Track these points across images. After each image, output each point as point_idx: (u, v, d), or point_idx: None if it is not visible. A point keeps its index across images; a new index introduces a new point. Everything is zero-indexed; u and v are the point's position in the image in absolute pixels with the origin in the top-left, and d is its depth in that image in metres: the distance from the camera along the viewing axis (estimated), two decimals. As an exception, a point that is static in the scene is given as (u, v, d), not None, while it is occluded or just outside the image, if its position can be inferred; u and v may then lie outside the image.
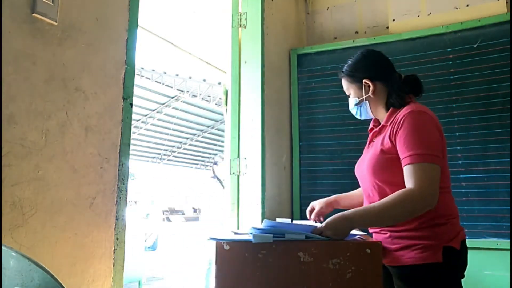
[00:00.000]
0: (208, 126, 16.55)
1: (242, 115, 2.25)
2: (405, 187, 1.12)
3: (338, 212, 1.15)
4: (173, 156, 19.11)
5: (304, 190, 2.53)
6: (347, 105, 1.44)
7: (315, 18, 3.00)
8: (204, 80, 11.64)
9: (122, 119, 1.35)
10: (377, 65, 1.35)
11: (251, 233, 1.08)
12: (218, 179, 1.69)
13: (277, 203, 2.34)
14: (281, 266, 1.04)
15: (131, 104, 1.40)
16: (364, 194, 1.34)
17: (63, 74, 1.18)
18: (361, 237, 1.17)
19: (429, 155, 1.12)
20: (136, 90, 3.93)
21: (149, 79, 10.97)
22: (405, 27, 2.55)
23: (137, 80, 6.51)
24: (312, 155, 2.56)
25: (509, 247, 2.00)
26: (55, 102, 1.15)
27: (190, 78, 11.54)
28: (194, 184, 21.89)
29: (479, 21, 2.28)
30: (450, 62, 2.31)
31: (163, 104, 13.57)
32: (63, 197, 1.15)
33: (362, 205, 1.40)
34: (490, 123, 2.17)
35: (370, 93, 1.32)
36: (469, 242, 2.09)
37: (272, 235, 1.06)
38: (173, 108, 13.74)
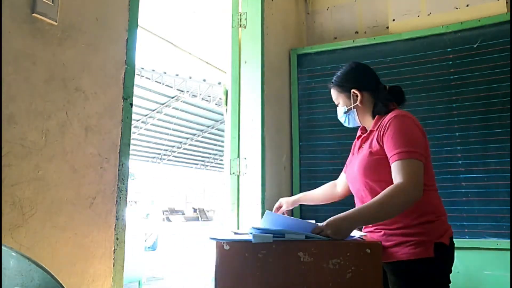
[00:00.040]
0: (208, 126, 16.54)
1: (242, 115, 2.25)
2: (393, 183, 1.19)
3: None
4: (173, 156, 19.10)
5: (304, 190, 2.49)
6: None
7: (315, 18, 3.00)
8: (204, 80, 11.63)
9: (122, 119, 1.35)
10: (365, 77, 1.45)
11: (251, 233, 1.08)
12: None
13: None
14: (281, 266, 1.04)
15: (131, 104, 1.40)
16: (357, 196, 1.40)
17: (63, 74, 1.18)
18: (361, 237, 1.17)
19: (414, 152, 1.20)
20: (136, 90, 3.93)
21: (149, 79, 10.97)
22: (405, 27, 2.55)
23: (137, 80, 6.51)
24: (312, 155, 2.56)
25: (509, 247, 2.00)
26: (55, 102, 1.15)
27: (190, 78, 11.53)
28: (206, 184, 21.94)
29: (479, 21, 2.28)
30: (450, 62, 2.31)
31: (163, 104, 13.56)
32: (63, 197, 1.15)
33: (325, 202, 1.69)
34: (490, 123, 2.17)
35: (358, 102, 1.42)
36: (469, 242, 2.12)
37: (272, 235, 1.06)
38: (173, 108, 13.73)
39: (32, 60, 1.10)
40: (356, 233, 1.21)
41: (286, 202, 1.68)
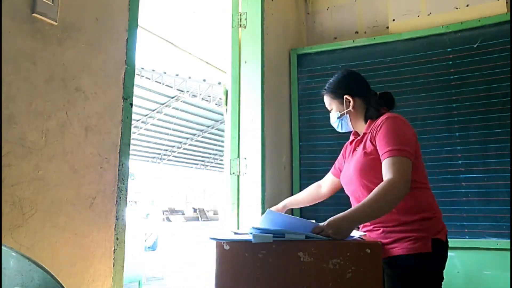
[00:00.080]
0: (208, 126, 16.54)
1: (242, 115, 2.25)
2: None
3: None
4: (173, 156, 19.09)
5: (304, 190, 2.53)
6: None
7: (315, 18, 3.00)
8: (204, 80, 11.62)
9: (122, 119, 1.35)
10: (356, 83, 1.51)
11: (251, 233, 1.08)
12: None
13: (277, 203, 2.33)
14: (281, 266, 1.04)
15: (131, 104, 1.40)
16: (353, 197, 1.44)
17: (63, 74, 1.18)
18: (361, 237, 1.17)
19: (404, 150, 1.26)
20: (136, 90, 3.93)
21: (149, 79, 10.96)
22: (405, 27, 2.55)
23: (137, 80, 6.50)
24: (312, 155, 2.56)
25: (509, 247, 2.00)
26: (55, 102, 1.15)
27: (190, 78, 11.52)
28: (206, 184, 21.92)
29: (479, 21, 2.28)
30: (450, 62, 2.31)
31: (163, 104, 13.55)
32: (63, 197, 1.15)
33: (312, 203, 1.77)
34: (490, 123, 2.17)
35: (350, 108, 1.48)
36: (469, 242, 2.12)
37: (272, 235, 1.06)
38: (173, 108, 13.72)
39: (32, 60, 1.10)
40: (356, 233, 1.21)
41: (276, 210, 1.71)
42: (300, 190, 2.54)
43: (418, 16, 2.56)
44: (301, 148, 2.59)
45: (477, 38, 2.26)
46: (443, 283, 1.31)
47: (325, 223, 1.11)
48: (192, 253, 8.44)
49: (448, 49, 2.33)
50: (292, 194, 2.54)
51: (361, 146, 1.41)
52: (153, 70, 10.68)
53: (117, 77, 1.36)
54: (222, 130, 13.14)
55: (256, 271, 1.05)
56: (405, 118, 2.34)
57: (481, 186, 2.14)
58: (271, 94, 2.35)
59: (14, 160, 1.03)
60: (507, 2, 2.31)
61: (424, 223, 1.28)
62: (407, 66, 2.41)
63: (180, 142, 17.80)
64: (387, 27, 2.67)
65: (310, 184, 2.36)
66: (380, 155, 1.29)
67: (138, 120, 14.27)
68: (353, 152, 1.49)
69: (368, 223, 1.37)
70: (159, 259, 7.67)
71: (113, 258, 1.29)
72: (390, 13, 2.65)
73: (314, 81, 2.60)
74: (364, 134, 1.43)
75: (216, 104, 12.94)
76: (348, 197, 1.51)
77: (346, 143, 1.62)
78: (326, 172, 1.81)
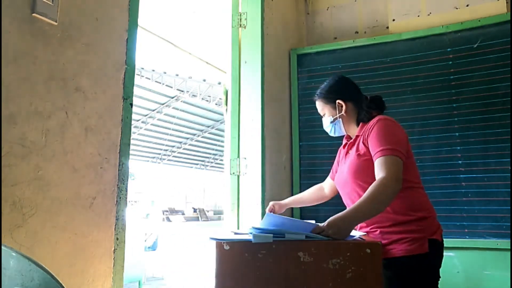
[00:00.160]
0: (208, 126, 16.54)
1: (242, 115, 2.25)
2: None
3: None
4: (173, 156, 19.10)
5: (304, 190, 2.52)
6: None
7: (315, 18, 3.00)
8: (204, 80, 11.63)
9: (122, 119, 1.35)
10: (348, 88, 1.55)
11: (251, 233, 1.08)
12: None
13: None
14: (281, 266, 1.04)
15: (131, 104, 1.40)
16: (349, 198, 1.45)
17: (63, 74, 1.18)
18: (361, 237, 1.17)
19: (395, 149, 1.28)
20: (136, 90, 3.93)
21: (149, 79, 10.97)
22: (405, 27, 2.55)
23: (137, 80, 6.50)
24: (312, 155, 2.56)
25: (509, 247, 2.00)
26: (55, 102, 1.15)
27: (190, 78, 11.53)
28: (206, 184, 21.92)
29: (479, 21, 2.28)
30: (450, 62, 2.31)
31: (163, 104, 13.56)
32: (63, 197, 1.15)
33: (314, 203, 1.80)
34: (490, 123, 2.17)
35: (343, 112, 1.51)
36: (469, 242, 2.12)
37: (272, 235, 1.06)
38: (173, 108, 13.73)
39: (32, 60, 1.10)
40: (356, 233, 1.21)
41: (278, 206, 1.74)
42: (300, 190, 2.54)
43: (418, 16, 2.56)
44: (301, 148, 2.59)
45: (477, 38, 2.26)
46: (442, 282, 1.31)
47: (325, 223, 1.12)
48: (192, 253, 8.44)
49: (448, 49, 2.33)
50: (292, 194, 2.54)
51: (354, 148, 1.44)
52: (153, 70, 10.68)
53: (117, 77, 1.36)
54: (222, 130, 13.14)
55: (256, 271, 1.05)
56: (405, 118, 2.35)
57: (481, 186, 2.14)
58: (271, 94, 2.35)
59: (14, 160, 1.03)
60: (507, 2, 2.31)
61: (421, 223, 1.30)
62: (407, 66, 2.41)
63: (180, 142, 17.80)
64: (387, 27, 2.67)
65: (310, 184, 2.36)
66: (372, 155, 1.32)
67: (138, 120, 14.27)
68: (346, 155, 1.52)
69: (364, 225, 1.38)
70: (159, 259, 7.67)
71: (113, 258, 1.29)
72: (390, 13, 2.65)
73: (314, 81, 2.60)
74: (357, 136, 1.45)
75: (216, 104, 12.95)
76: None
77: (339, 148, 1.64)
78: (326, 172, 1.82)
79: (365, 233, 1.32)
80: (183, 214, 17.84)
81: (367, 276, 1.02)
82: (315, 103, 1.60)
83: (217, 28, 2.84)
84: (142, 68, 10.22)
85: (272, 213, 1.72)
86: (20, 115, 1.06)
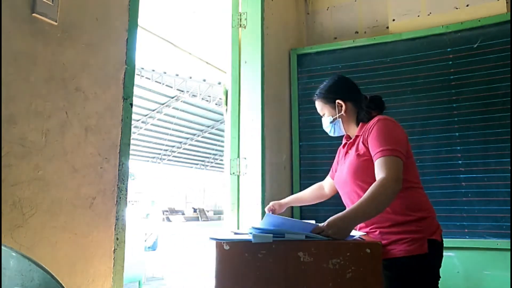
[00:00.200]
0: (208, 126, 16.54)
1: (242, 115, 2.25)
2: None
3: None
4: (173, 156, 19.10)
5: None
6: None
7: (315, 18, 3.00)
8: (204, 80, 11.63)
9: (122, 119, 1.35)
10: (347, 88, 1.54)
11: (251, 233, 1.08)
12: None
13: (277, 203, 2.34)
14: (281, 266, 1.04)
15: (131, 104, 1.40)
16: (349, 198, 1.45)
17: (63, 74, 1.18)
18: (361, 237, 1.17)
19: (395, 150, 1.28)
20: (136, 90, 3.93)
21: (149, 79, 10.96)
22: (405, 27, 2.55)
23: (137, 80, 6.50)
24: (312, 155, 2.56)
25: (509, 247, 2.00)
26: (55, 102, 1.15)
27: (190, 78, 11.53)
28: (206, 184, 21.91)
29: (479, 21, 2.28)
30: (450, 62, 2.31)
31: (163, 104, 13.56)
32: (63, 197, 1.15)
33: (314, 202, 1.81)
34: (490, 123, 2.17)
35: (342, 112, 1.50)
36: (469, 242, 2.12)
37: (272, 235, 1.06)
38: (173, 108, 13.72)
39: (32, 60, 1.10)
40: (355, 233, 1.21)
41: (278, 205, 1.74)
42: (300, 190, 2.54)
43: (418, 16, 2.56)
44: (301, 148, 2.59)
45: (477, 38, 2.26)
46: (442, 282, 1.31)
47: (325, 223, 1.12)
48: (192, 253, 8.45)
49: (448, 49, 2.33)
50: (292, 194, 2.54)
51: (354, 148, 1.43)
52: (153, 70, 10.68)
53: (117, 77, 1.36)
54: (222, 130, 13.14)
55: (256, 271, 1.05)
56: (405, 118, 2.35)
57: (481, 186, 2.14)
58: (271, 94, 2.35)
59: (14, 160, 1.03)
60: (507, 2, 2.31)
61: (420, 224, 1.30)
62: (407, 66, 2.41)
63: (180, 142, 17.80)
64: (387, 27, 2.66)
65: (310, 184, 2.35)
66: (372, 155, 1.32)
67: (138, 120, 14.27)
68: (345, 155, 1.52)
69: (364, 225, 1.38)
70: (159, 259, 7.68)
71: (113, 258, 1.29)
72: (390, 13, 2.65)
73: (314, 81, 2.60)
74: (356, 136, 1.45)
75: (216, 104, 12.94)
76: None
77: (339, 147, 1.64)
78: (326, 172, 1.82)
79: (365, 233, 1.32)
80: (183, 214, 17.84)
81: (367, 276, 1.02)
82: (314, 103, 1.60)
83: (217, 28, 2.84)
84: (142, 68, 10.22)
85: (272, 213, 1.72)
86: (20, 115, 1.06)
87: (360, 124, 1.47)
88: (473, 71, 2.25)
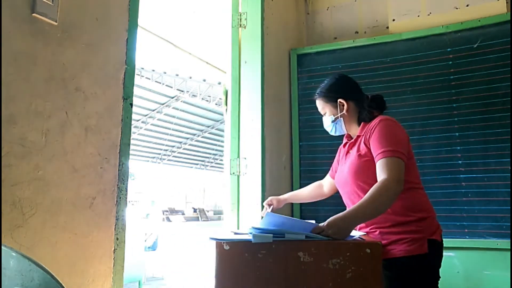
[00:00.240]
0: (208, 126, 16.54)
1: (242, 115, 2.25)
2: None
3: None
4: (173, 156, 19.10)
5: (304, 190, 2.53)
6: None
7: (315, 18, 3.00)
8: (204, 80, 11.63)
9: (122, 119, 1.35)
10: (349, 87, 1.53)
11: (251, 233, 1.08)
12: None
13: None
14: (281, 266, 1.04)
15: (131, 104, 1.40)
16: (349, 198, 1.45)
17: (63, 74, 1.18)
18: (361, 237, 1.17)
19: (397, 151, 1.28)
20: (136, 90, 3.93)
21: (149, 79, 10.96)
22: (405, 27, 2.55)
23: (137, 80, 6.50)
24: (312, 155, 2.56)
25: (509, 247, 2.00)
26: (55, 102, 1.15)
27: (190, 78, 11.53)
28: (206, 184, 21.91)
29: (479, 21, 2.28)
30: (450, 62, 2.31)
31: (163, 104, 13.56)
32: (63, 197, 1.15)
33: (312, 200, 1.81)
34: (490, 123, 2.17)
35: (344, 111, 1.49)
36: (469, 242, 2.12)
37: (272, 235, 1.06)
38: (173, 108, 13.73)
39: (32, 60, 1.10)
40: (355, 233, 1.21)
41: (276, 200, 1.75)
42: (300, 190, 2.54)
43: (418, 16, 2.56)
44: (301, 148, 2.59)
45: (477, 38, 2.26)
46: (442, 282, 1.31)
47: (325, 223, 1.12)
48: (192, 253, 8.45)
49: (448, 49, 2.33)
50: (292, 194, 2.55)
51: (355, 148, 1.43)
52: (153, 70, 10.68)
53: (117, 77, 1.36)
54: (222, 130, 13.13)
55: (256, 271, 1.05)
56: (405, 118, 2.35)
57: (481, 186, 2.14)
58: (271, 94, 2.35)
59: (14, 160, 1.03)
60: (507, 2, 2.31)
61: (420, 224, 1.30)
62: (407, 66, 2.41)
63: (180, 142, 17.80)
64: (387, 27, 2.66)
65: (310, 184, 2.35)
66: (374, 156, 1.32)
67: (138, 120, 14.27)
68: (346, 154, 1.51)
69: (364, 225, 1.38)
70: (159, 259, 7.68)
71: (113, 258, 1.29)
72: (390, 13, 2.65)
73: (314, 81, 2.60)
74: (358, 136, 1.44)
75: (216, 104, 12.94)
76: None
77: (339, 146, 1.64)
78: (326, 172, 1.82)
79: (365, 233, 1.32)
80: (183, 214, 17.85)
81: (367, 276, 1.02)
82: (315, 102, 1.59)
83: (217, 28, 2.84)
84: (142, 68, 10.22)
85: (270, 207, 1.73)
86: (20, 115, 1.06)
87: (362, 123, 1.46)
88: (473, 71, 2.25)
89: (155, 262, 7.37)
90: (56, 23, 1.16)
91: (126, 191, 1.35)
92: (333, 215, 1.14)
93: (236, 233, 1.28)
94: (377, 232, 1.34)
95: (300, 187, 2.52)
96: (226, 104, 2.31)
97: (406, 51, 2.43)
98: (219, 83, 10.92)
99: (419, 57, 2.39)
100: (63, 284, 0.75)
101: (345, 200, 1.49)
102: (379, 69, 2.48)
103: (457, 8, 2.45)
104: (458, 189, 2.18)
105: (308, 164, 2.56)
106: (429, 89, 2.33)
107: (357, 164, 1.38)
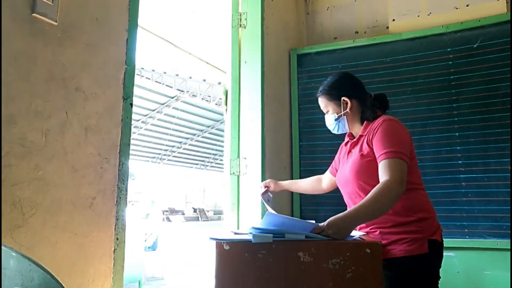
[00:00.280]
0: (208, 126, 16.54)
1: (242, 115, 2.25)
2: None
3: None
4: (173, 156, 19.09)
5: (304, 190, 2.53)
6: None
7: (315, 18, 3.00)
8: (204, 80, 11.63)
9: (122, 119, 1.35)
10: (353, 85, 1.52)
11: (251, 233, 1.08)
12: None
13: (277, 203, 2.34)
14: (281, 266, 1.04)
15: (131, 104, 1.40)
16: (349, 198, 1.45)
17: (63, 74, 1.18)
18: (361, 237, 1.17)
19: (399, 152, 1.27)
20: (136, 90, 3.93)
21: (149, 79, 10.96)
22: (405, 27, 2.55)
23: (137, 80, 6.50)
24: (312, 155, 2.56)
25: (509, 247, 2.00)
26: (55, 102, 1.15)
27: (190, 78, 11.53)
28: (206, 184, 21.90)
29: (479, 21, 2.28)
30: (450, 62, 2.31)
31: (163, 104, 13.56)
32: (63, 197, 1.15)
33: (309, 193, 1.86)
34: (490, 123, 2.17)
35: (347, 109, 1.48)
36: (469, 242, 2.12)
37: (272, 235, 1.06)
38: (173, 108, 13.73)
39: (32, 60, 1.10)
40: (355, 233, 1.21)
41: (274, 183, 1.77)
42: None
43: (418, 16, 2.56)
44: (301, 148, 2.59)
45: (477, 38, 2.26)
46: (442, 282, 1.31)
47: (325, 223, 1.12)
48: (192, 253, 8.45)
49: (448, 49, 2.33)
50: (292, 194, 2.55)
51: (357, 148, 1.42)
52: (153, 70, 10.68)
53: (117, 77, 1.36)
54: (222, 130, 13.12)
55: (256, 271, 1.05)
56: (405, 118, 2.35)
57: (481, 186, 2.14)
58: (271, 94, 2.35)
59: (14, 160, 1.03)
60: (507, 2, 2.31)
61: (420, 224, 1.30)
62: (407, 66, 2.41)
63: (180, 142, 17.80)
64: (387, 27, 2.66)
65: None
66: (377, 157, 1.31)
67: (138, 120, 14.27)
68: (348, 153, 1.50)
69: (364, 225, 1.38)
70: (159, 259, 7.68)
71: (113, 258, 1.29)
72: (390, 13, 2.65)
73: (314, 81, 2.60)
74: (360, 136, 1.44)
75: (216, 104, 12.94)
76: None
77: (341, 145, 1.63)
78: (326, 172, 1.82)
79: (365, 233, 1.32)
80: (183, 214, 17.85)
81: (367, 276, 1.02)
82: (317, 100, 1.58)
83: (217, 28, 2.84)
84: (142, 68, 10.22)
85: (267, 190, 1.77)
86: (20, 115, 1.06)
87: (365, 122, 1.45)
88: (473, 71, 2.25)
89: (155, 262, 7.37)
90: (56, 23, 1.16)
91: (126, 191, 1.35)
92: (333, 215, 1.14)
93: (236, 233, 1.28)
94: (377, 232, 1.34)
95: (300, 187, 2.53)
96: (226, 104, 2.31)
97: (406, 51, 2.43)
98: (219, 83, 10.93)
99: (419, 57, 2.39)
100: (63, 284, 0.75)
101: (346, 199, 1.49)
102: (379, 69, 2.48)
103: (457, 8, 2.45)
104: (458, 189, 2.18)
105: (308, 164, 2.56)
106: (429, 89, 2.33)
107: (359, 164, 1.37)
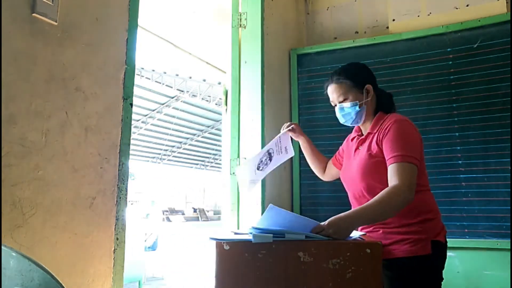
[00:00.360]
0: (208, 126, 16.53)
1: (242, 115, 2.25)
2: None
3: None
4: (173, 156, 19.09)
5: (304, 190, 2.53)
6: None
7: (315, 18, 3.00)
8: (204, 80, 11.62)
9: (122, 119, 1.35)
10: (372, 75, 1.49)
11: (251, 233, 1.08)
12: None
13: (277, 203, 2.34)
14: (281, 266, 1.04)
15: (131, 104, 1.40)
16: (354, 196, 1.43)
17: (63, 74, 1.18)
18: (361, 237, 1.17)
19: (410, 156, 1.25)
20: (136, 90, 3.93)
21: (149, 79, 10.96)
22: (405, 27, 2.55)
23: (137, 80, 6.50)
24: (312, 155, 2.55)
25: (509, 247, 2.00)
26: (55, 102, 1.15)
27: (190, 78, 11.53)
28: (206, 184, 21.90)
29: (479, 21, 2.28)
30: (450, 62, 2.31)
31: (163, 104, 13.55)
32: (63, 197, 1.15)
33: (312, 165, 1.81)
34: (490, 123, 2.17)
35: (369, 98, 1.43)
36: (469, 242, 2.12)
37: (272, 235, 1.06)
38: (173, 108, 13.72)
39: (32, 60, 1.10)
40: (355, 233, 1.21)
41: (299, 130, 1.76)
42: (300, 190, 2.55)
43: (418, 16, 2.56)
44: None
45: (477, 38, 2.26)
46: (443, 283, 1.31)
47: (326, 222, 1.11)
48: (192, 253, 8.45)
49: (448, 49, 2.33)
50: (292, 194, 2.55)
51: (365, 146, 1.39)
52: (153, 70, 10.68)
53: (117, 77, 1.36)
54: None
55: (256, 271, 1.05)
56: (405, 118, 2.34)
57: (481, 186, 2.14)
58: (271, 94, 2.35)
59: (14, 160, 1.03)
60: (507, 2, 2.31)
61: (425, 225, 1.29)
62: (407, 66, 2.41)
63: (180, 142, 17.79)
64: (387, 27, 2.66)
65: (311, 184, 2.35)
66: (386, 159, 1.28)
67: (138, 120, 14.26)
68: (355, 150, 1.46)
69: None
70: (159, 259, 7.68)
71: (113, 258, 1.29)
72: (390, 13, 2.65)
73: (314, 81, 2.60)
74: (369, 134, 1.41)
75: (216, 104, 12.94)
76: (348, 196, 1.51)
77: (347, 137, 1.59)
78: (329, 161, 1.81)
79: (365, 233, 1.32)
80: (183, 214, 17.84)
81: (367, 276, 1.02)
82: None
83: (217, 28, 2.84)
84: (142, 68, 10.21)
85: (292, 131, 1.75)
86: (20, 115, 1.06)
87: (375, 119, 1.41)
88: (473, 71, 2.24)
89: (155, 262, 7.37)
90: (56, 23, 1.16)
91: (126, 191, 1.35)
92: (333, 215, 1.14)
93: (236, 233, 1.28)
94: (380, 232, 1.33)
95: (300, 187, 2.53)
96: (226, 104, 2.31)
97: (406, 51, 2.43)
98: (219, 83, 10.92)
99: (419, 57, 2.38)
100: (63, 284, 0.75)
101: (350, 198, 1.47)
102: (379, 69, 2.47)
103: (457, 8, 2.45)
104: (458, 189, 2.18)
105: (308, 164, 2.55)
106: (429, 89, 2.33)
107: (367, 164, 1.35)
